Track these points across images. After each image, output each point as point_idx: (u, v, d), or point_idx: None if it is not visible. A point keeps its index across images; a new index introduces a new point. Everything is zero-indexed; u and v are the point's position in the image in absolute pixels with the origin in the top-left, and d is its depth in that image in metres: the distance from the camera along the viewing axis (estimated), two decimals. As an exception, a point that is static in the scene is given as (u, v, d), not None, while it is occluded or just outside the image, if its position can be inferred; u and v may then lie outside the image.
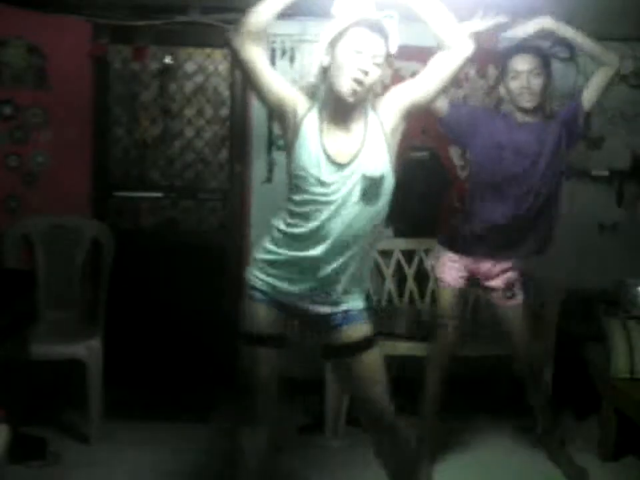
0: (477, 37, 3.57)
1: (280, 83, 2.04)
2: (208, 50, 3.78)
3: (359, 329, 2.14)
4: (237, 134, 3.80)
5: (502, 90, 2.82)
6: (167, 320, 3.77)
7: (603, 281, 3.56)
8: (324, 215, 1.99)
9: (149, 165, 3.83)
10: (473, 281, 2.94)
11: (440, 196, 3.86)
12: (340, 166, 1.99)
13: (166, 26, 3.58)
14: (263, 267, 2.11)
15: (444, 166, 3.84)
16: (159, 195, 3.84)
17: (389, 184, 2.05)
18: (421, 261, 3.68)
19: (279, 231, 2.09)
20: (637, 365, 3.07)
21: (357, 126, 2.03)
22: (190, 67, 3.80)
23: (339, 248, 2.02)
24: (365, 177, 1.98)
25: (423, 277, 3.69)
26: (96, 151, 3.71)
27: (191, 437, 3.20)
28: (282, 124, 2.07)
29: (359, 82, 1.93)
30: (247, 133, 3.75)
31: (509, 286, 2.88)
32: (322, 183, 1.98)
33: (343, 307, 2.12)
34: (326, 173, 1.98)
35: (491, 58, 3.69)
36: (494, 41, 3.68)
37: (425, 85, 2.05)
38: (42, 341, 3.00)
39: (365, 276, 2.19)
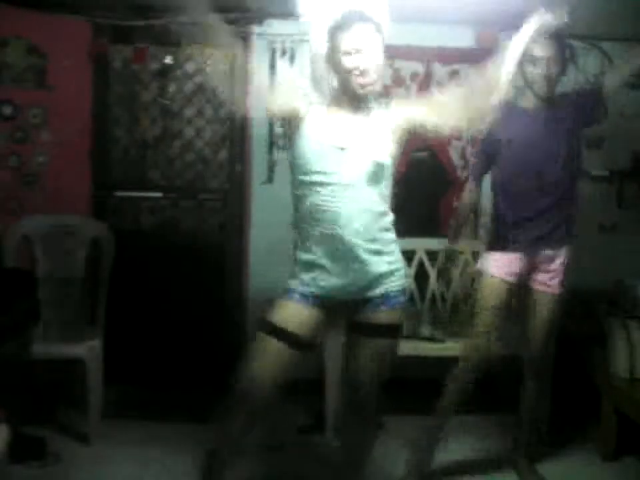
0: (477, 37, 3.64)
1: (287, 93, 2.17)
2: (208, 50, 3.78)
3: (392, 315, 2.18)
4: (236, 134, 3.81)
5: (516, 72, 2.74)
6: (167, 320, 3.78)
7: (603, 281, 3.56)
8: (333, 197, 2.04)
9: (149, 164, 3.83)
10: (524, 276, 2.81)
11: (440, 196, 3.86)
12: (344, 150, 2.05)
13: (166, 26, 3.59)
14: (301, 272, 2.15)
15: (444, 166, 3.84)
16: (159, 195, 3.84)
17: (388, 169, 2.11)
18: (420, 261, 3.67)
19: (300, 232, 2.15)
20: (637, 365, 3.07)
21: (362, 115, 2.11)
22: (190, 66, 3.81)
23: (356, 227, 2.06)
24: (372, 162, 2.04)
25: (422, 277, 3.69)
26: (96, 151, 3.71)
27: (191, 437, 3.19)
28: (285, 119, 2.16)
29: (364, 77, 2.03)
30: (247, 133, 3.76)
31: (566, 272, 2.80)
32: (327, 168, 2.04)
33: (380, 290, 2.14)
34: (331, 158, 2.05)
35: (490, 58, 3.69)
36: (494, 41, 3.69)
37: (438, 117, 2.12)
38: (42, 341, 3.00)
39: (398, 259, 2.20)
